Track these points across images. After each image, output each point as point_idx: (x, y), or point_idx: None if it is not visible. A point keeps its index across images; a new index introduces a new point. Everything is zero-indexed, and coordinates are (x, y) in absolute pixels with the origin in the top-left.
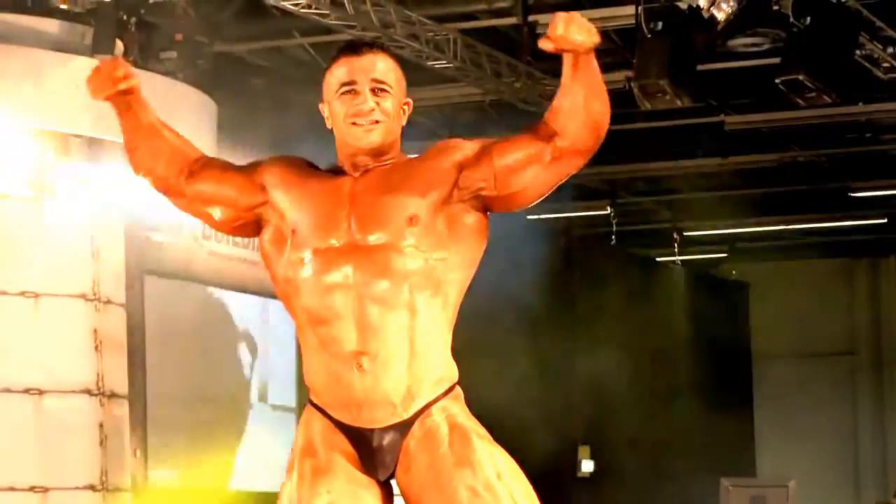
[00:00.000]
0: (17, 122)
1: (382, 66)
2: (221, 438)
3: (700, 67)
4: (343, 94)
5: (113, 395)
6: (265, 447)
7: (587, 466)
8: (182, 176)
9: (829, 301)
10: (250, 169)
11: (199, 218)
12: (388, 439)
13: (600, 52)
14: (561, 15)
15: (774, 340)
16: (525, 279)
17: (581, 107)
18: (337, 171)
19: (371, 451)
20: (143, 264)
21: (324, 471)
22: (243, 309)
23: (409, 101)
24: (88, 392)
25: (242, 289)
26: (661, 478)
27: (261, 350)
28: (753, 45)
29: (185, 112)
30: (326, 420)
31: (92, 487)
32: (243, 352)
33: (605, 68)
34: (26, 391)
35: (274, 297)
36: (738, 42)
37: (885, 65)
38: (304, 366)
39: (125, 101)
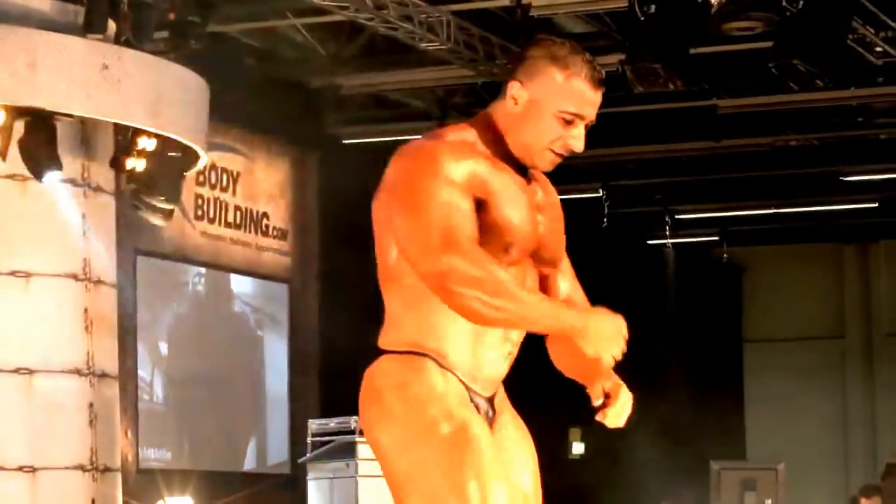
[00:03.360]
0: (9, 101)
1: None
2: (214, 419)
3: (693, 51)
4: (566, 119)
5: (103, 375)
6: (255, 427)
7: (577, 448)
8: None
9: (819, 285)
10: (461, 193)
11: None
12: (493, 403)
13: (593, 36)
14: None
15: (765, 323)
16: None
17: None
18: (503, 162)
19: (487, 411)
20: (135, 244)
21: (483, 434)
22: (235, 289)
23: None
24: (78, 372)
25: (235, 269)
26: (651, 460)
27: (253, 330)
28: (747, 28)
29: (178, 92)
30: (461, 385)
31: (81, 467)
32: (236, 332)
33: (598, 51)
34: (16, 371)
35: (266, 277)
36: (732, 25)
37: (878, 49)
38: (439, 337)
39: None
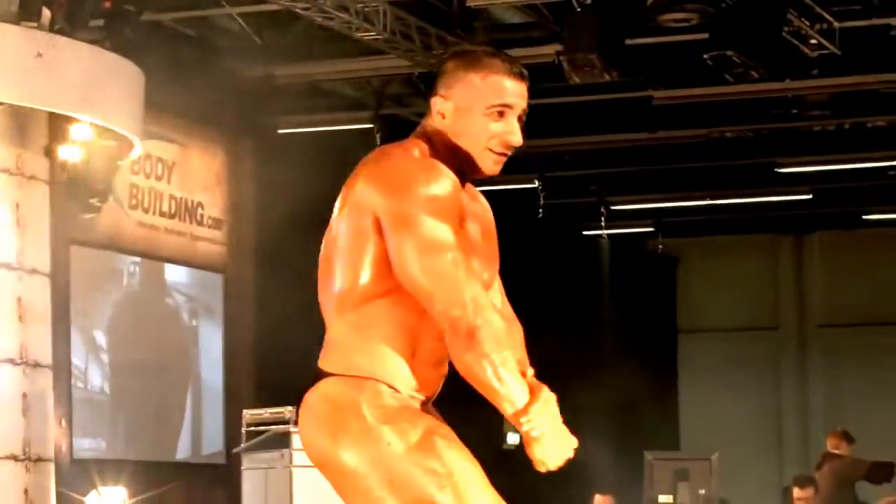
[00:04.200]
0: None
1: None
2: (148, 409)
3: (629, 42)
4: (496, 112)
5: (37, 365)
6: (189, 417)
7: (512, 439)
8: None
9: (754, 276)
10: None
11: None
12: None
13: (529, 26)
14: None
15: (700, 314)
16: None
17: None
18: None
19: None
20: (70, 233)
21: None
22: (170, 279)
23: None
24: (12, 362)
25: (169, 259)
26: (586, 451)
27: (188, 320)
28: (682, 20)
29: (113, 81)
30: (411, 401)
31: (14, 457)
32: (171, 322)
33: (535, 42)
34: None
35: (201, 267)
36: (668, 17)
37: (813, 42)
38: (394, 367)
39: None
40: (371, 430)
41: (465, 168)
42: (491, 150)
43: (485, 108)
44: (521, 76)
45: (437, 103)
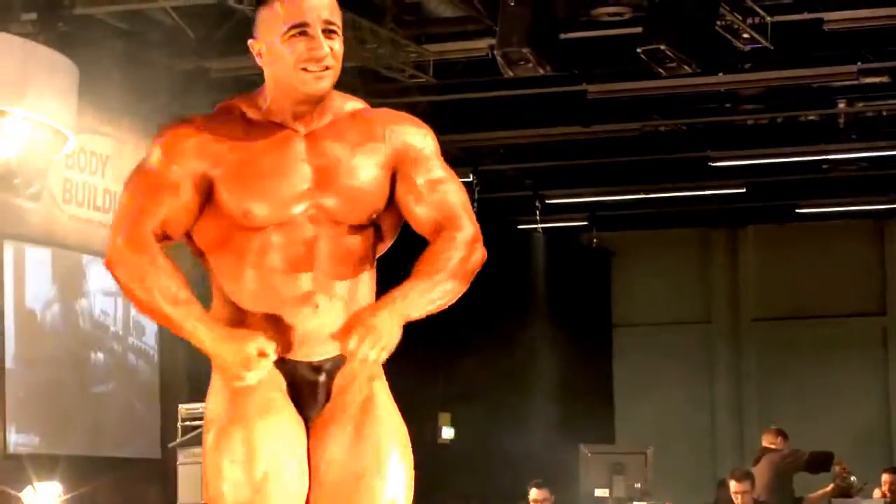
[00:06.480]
0: None
1: (331, 5)
2: (83, 403)
3: (563, 36)
4: (293, 35)
5: None
6: (125, 411)
7: (447, 433)
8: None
9: (687, 270)
10: (175, 173)
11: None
12: (322, 375)
13: (463, 20)
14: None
15: (634, 308)
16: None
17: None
18: (266, 124)
19: (309, 384)
20: (2, 228)
21: (265, 411)
22: (105, 273)
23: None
24: None
25: (104, 253)
26: (521, 445)
27: (122, 312)
28: (616, 14)
29: (46, 75)
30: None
31: None
32: (104, 315)
33: (468, 36)
34: None
35: None
36: (601, 11)
37: (745, 36)
38: (230, 312)
39: None
40: (205, 420)
41: (293, 94)
42: (305, 69)
43: (283, 36)
44: None
45: (252, 47)
